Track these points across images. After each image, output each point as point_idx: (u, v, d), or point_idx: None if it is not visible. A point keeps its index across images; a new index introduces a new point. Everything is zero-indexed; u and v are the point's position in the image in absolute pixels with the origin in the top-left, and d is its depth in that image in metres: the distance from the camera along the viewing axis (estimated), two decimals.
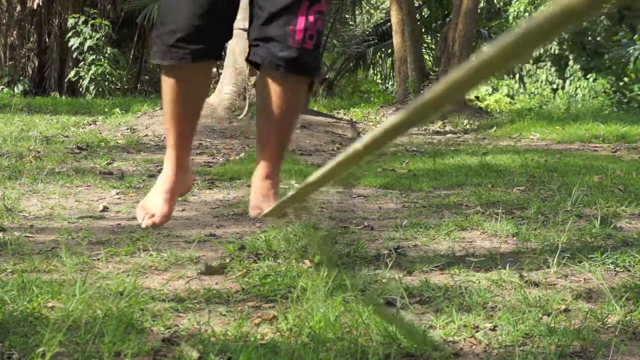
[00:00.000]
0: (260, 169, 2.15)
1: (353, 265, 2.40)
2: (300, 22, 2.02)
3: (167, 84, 2.08)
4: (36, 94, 13.44)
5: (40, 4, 14.07)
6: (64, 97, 12.78)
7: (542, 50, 18.30)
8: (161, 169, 5.35)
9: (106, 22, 12.13)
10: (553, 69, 18.19)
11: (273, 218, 2.17)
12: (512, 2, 18.99)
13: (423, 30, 12.90)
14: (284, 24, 2.01)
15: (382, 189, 4.14)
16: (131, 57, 14.56)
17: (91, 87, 11.80)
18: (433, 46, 13.58)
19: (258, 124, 2.18)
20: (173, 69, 2.04)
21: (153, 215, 2.11)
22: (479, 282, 2.21)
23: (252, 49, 2.06)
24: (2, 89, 12.96)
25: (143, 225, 2.13)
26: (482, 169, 4.69)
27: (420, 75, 9.91)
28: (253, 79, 7.55)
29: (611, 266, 2.38)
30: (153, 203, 2.13)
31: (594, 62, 17.74)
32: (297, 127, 6.63)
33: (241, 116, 7.49)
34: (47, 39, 14.66)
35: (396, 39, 10.18)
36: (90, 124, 7.70)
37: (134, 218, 3.29)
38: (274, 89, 2.09)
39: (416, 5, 12.01)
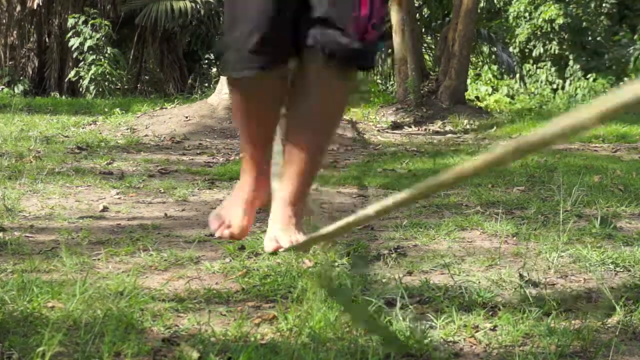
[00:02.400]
0: (284, 190, 1.72)
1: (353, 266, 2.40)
2: (364, 7, 1.69)
3: (241, 99, 1.78)
4: (36, 94, 13.43)
5: (40, 4, 14.06)
6: (64, 97, 12.77)
7: (542, 50, 18.30)
8: (162, 169, 5.35)
9: (106, 22, 12.12)
10: (553, 69, 18.19)
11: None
12: (512, 2, 18.98)
13: (423, 30, 12.90)
14: (346, 6, 1.67)
15: (382, 189, 4.14)
16: (131, 57, 14.55)
17: (91, 87, 11.80)
18: (433, 46, 13.58)
19: (292, 128, 1.78)
20: (250, 81, 1.69)
21: (230, 226, 1.78)
22: (479, 282, 2.21)
23: (307, 32, 1.69)
24: (2, 89, 12.96)
25: (217, 235, 1.79)
26: None
27: (420, 75, 9.90)
28: None
29: (611, 266, 2.38)
30: (231, 213, 1.81)
31: (594, 62, 17.74)
32: None
33: None
34: (47, 39, 14.66)
35: (396, 39, 10.18)
36: (90, 124, 7.70)
37: (134, 218, 3.30)
38: (322, 84, 1.74)
39: (416, 5, 12.00)
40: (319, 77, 1.73)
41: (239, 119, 1.83)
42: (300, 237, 1.66)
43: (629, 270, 2.34)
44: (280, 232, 1.68)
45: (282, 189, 1.73)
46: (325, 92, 1.74)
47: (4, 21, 14.75)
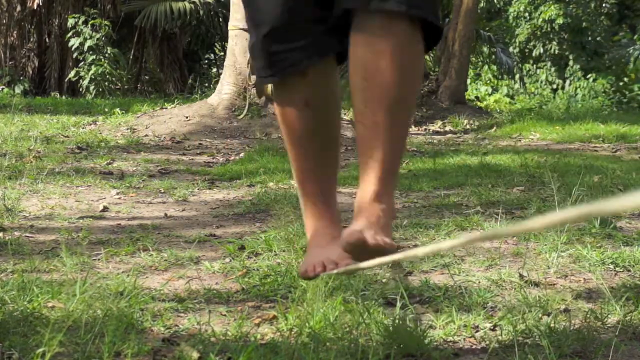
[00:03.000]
0: (368, 186, 1.40)
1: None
2: None
3: (285, 118, 1.53)
4: (36, 94, 13.42)
5: (40, 4, 14.06)
6: (64, 97, 12.77)
7: (542, 50, 18.30)
8: (162, 169, 5.34)
9: (106, 22, 12.12)
10: (553, 69, 18.19)
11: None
12: (512, 2, 18.98)
13: None
14: None
15: None
16: (131, 57, 14.55)
17: (91, 87, 11.80)
18: None
19: (360, 109, 1.42)
20: (285, 88, 1.49)
21: (332, 261, 1.51)
22: (479, 282, 2.21)
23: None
24: (2, 89, 12.95)
25: (329, 273, 1.53)
26: (482, 169, 4.68)
27: None
28: (253, 79, 7.54)
29: (611, 266, 2.38)
30: (324, 254, 1.53)
31: (594, 62, 17.73)
32: None
33: (241, 116, 7.49)
34: (47, 39, 14.65)
35: None
36: (91, 124, 7.70)
37: (134, 218, 3.30)
38: (378, 50, 1.39)
39: None
40: (377, 41, 1.40)
41: (293, 150, 1.56)
42: (388, 240, 1.35)
43: (629, 270, 2.34)
44: (371, 228, 1.36)
45: (365, 185, 1.41)
46: (386, 56, 1.40)
47: (4, 21, 14.74)
